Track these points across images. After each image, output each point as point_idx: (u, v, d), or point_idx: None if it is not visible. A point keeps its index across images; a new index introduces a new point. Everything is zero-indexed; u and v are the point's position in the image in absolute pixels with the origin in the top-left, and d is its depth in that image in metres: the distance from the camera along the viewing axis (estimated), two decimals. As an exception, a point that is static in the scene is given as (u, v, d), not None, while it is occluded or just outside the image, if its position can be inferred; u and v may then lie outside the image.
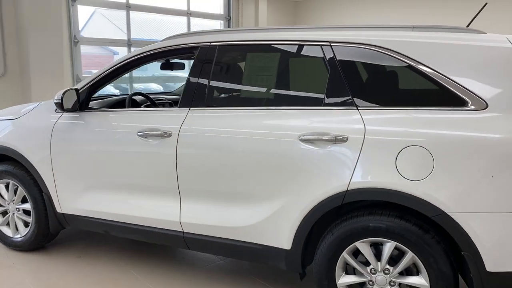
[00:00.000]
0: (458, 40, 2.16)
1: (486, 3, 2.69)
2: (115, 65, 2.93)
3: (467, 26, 2.50)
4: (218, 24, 8.94)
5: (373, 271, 2.23)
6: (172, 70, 3.62)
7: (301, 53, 2.45)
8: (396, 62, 2.20)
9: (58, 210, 3.09)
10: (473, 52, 2.10)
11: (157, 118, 2.70)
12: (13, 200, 3.31)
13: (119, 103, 3.40)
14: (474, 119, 2.01)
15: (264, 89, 2.58)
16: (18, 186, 3.24)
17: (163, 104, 3.67)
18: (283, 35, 2.48)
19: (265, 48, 2.56)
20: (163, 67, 3.57)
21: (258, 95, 2.59)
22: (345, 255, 2.26)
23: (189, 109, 2.62)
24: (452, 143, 2.00)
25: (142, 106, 3.53)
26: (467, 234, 1.98)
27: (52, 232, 3.22)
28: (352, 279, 2.30)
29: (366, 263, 2.25)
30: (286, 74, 2.49)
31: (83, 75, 6.75)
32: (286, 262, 2.43)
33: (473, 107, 2.03)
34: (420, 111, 2.11)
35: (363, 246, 2.22)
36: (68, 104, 2.82)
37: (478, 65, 2.07)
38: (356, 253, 2.28)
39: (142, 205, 2.78)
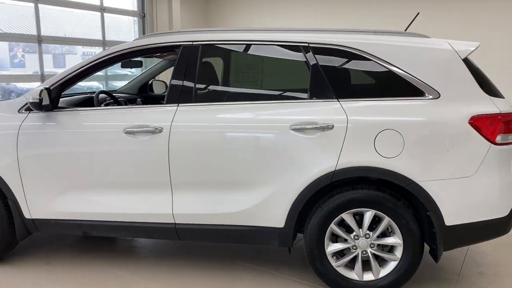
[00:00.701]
0: (412, 43, 2.66)
1: (418, 13, 3.28)
2: (89, 63, 2.89)
3: (405, 30, 3.06)
4: (132, 21, 8.73)
5: (356, 237, 2.64)
6: (131, 68, 3.62)
7: (284, 52, 2.75)
8: (366, 61, 2.63)
9: (27, 216, 2.94)
10: (424, 53, 2.62)
11: (144, 115, 2.76)
12: (-34, 211, 3.03)
13: (85, 102, 3.31)
14: (431, 106, 2.53)
15: (251, 84, 2.83)
16: (-25, 195, 2.98)
17: (124, 102, 3.64)
18: (269, 36, 2.75)
19: (249, 47, 2.80)
20: (123, 65, 3.56)
21: (246, 90, 2.82)
22: (333, 226, 2.63)
23: (178, 105, 2.74)
24: (417, 126, 2.50)
25: (103, 104, 3.48)
26: (431, 197, 2.49)
27: (19, 239, 3.04)
28: (338, 246, 2.68)
29: (349, 231, 2.65)
30: (271, 71, 2.77)
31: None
32: (279, 239, 2.72)
33: (430, 96, 2.54)
34: (389, 101, 2.57)
35: (348, 216, 2.61)
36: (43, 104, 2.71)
37: (429, 63, 2.59)
38: (340, 224, 2.66)
39: (130, 201, 2.82)
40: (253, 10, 9.64)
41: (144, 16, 8.70)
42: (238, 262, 3.16)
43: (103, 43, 8.01)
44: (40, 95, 2.66)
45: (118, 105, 3.52)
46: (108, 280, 2.91)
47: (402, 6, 7.80)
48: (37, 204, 2.91)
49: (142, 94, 4.29)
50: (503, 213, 2.58)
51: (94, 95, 3.26)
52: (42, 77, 7.00)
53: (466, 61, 2.60)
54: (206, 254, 3.29)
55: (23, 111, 2.90)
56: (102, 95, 3.45)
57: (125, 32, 8.72)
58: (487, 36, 6.76)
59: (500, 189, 2.55)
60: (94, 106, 3.19)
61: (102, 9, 7.90)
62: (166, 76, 4.19)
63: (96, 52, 7.41)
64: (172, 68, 3.89)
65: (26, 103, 2.89)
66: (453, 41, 2.67)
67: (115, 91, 4.31)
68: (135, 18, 8.75)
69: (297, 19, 9.07)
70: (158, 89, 4.39)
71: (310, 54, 2.66)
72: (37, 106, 2.70)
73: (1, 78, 6.69)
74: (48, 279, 2.92)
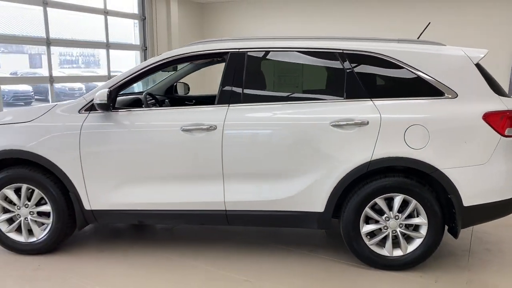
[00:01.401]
0: (432, 50, 3.08)
1: (430, 23, 3.72)
2: (144, 68, 3.19)
3: (417, 38, 3.49)
4: (132, 23, 8.94)
5: (387, 219, 3.05)
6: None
7: (321, 57, 3.13)
8: (394, 65, 3.03)
9: (87, 207, 3.22)
10: (443, 59, 3.05)
11: (199, 114, 3.08)
12: (25, 205, 3.28)
13: (133, 102, 3.60)
14: (450, 104, 2.95)
15: (292, 86, 3.19)
16: (33, 189, 3.23)
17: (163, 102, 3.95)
18: (308, 43, 3.12)
19: (290, 53, 3.17)
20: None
21: (288, 91, 3.18)
22: (367, 209, 3.03)
23: (229, 106, 3.08)
24: (439, 121, 2.92)
25: (143, 105, 3.77)
26: (452, 182, 2.91)
27: (78, 229, 3.31)
28: (371, 227, 3.08)
29: (381, 213, 3.05)
30: (310, 74, 3.14)
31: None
32: (318, 223, 3.10)
33: (449, 96, 2.97)
34: (416, 100, 2.98)
35: (380, 201, 3.01)
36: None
37: (447, 67, 3.02)
38: (372, 207, 3.06)
39: (184, 191, 3.13)
40: (245, 14, 10.02)
41: (145, 18, 8.93)
42: (273, 245, 3.52)
43: (107, 45, 8.20)
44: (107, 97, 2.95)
45: (158, 105, 3.83)
46: (160, 263, 3.22)
47: (383, 11, 8.32)
48: (97, 196, 3.19)
49: (169, 95, 4.58)
50: (511, 194, 3.03)
51: (140, 96, 3.56)
52: (51, 79, 7.17)
53: (478, 65, 3.04)
54: (242, 239, 3.64)
55: (83, 112, 3.18)
56: (142, 96, 3.74)
57: (126, 34, 8.93)
58: (474, 37, 7.36)
59: (509, 174, 3.00)
60: (140, 106, 3.49)
61: (105, 12, 8.10)
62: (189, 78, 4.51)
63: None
64: (193, 72, 4.27)
65: (86, 104, 3.17)
66: (466, 48, 3.10)
67: (141, 92, 4.59)
68: (136, 21, 8.96)
69: (287, 23, 9.48)
70: (180, 91, 4.70)
71: (345, 59, 3.05)
72: (105, 107, 2.99)
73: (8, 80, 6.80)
74: (103, 264, 3.21)
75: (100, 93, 3.00)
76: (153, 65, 3.20)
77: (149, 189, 3.17)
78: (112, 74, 8.33)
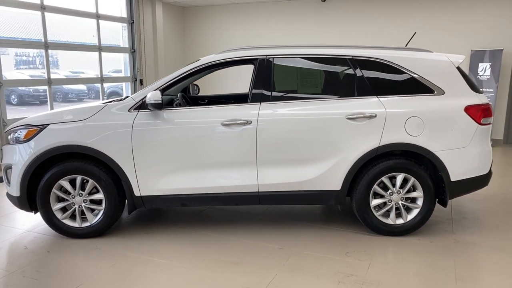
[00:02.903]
0: (423, 56, 3.80)
1: (415, 33, 4.46)
2: (184, 73, 3.72)
3: (405, 46, 4.22)
4: (120, 26, 9.24)
5: (391, 193, 3.74)
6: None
7: (336, 62, 3.77)
8: (394, 68, 3.72)
9: (137, 194, 3.69)
10: (432, 63, 3.78)
11: (236, 111, 3.64)
12: (80, 194, 3.71)
13: (168, 102, 4.08)
14: (439, 100, 3.68)
15: (315, 87, 3.81)
16: (88, 180, 3.67)
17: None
18: (324, 51, 3.76)
19: (310, 59, 3.79)
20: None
21: (310, 91, 3.80)
22: (376, 186, 3.71)
23: (260, 103, 3.66)
24: (431, 113, 3.64)
25: (175, 103, 4.27)
26: (442, 162, 3.65)
27: (129, 213, 3.78)
28: (379, 201, 3.76)
29: (386, 189, 3.75)
30: (327, 76, 3.78)
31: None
32: (335, 200, 3.75)
33: (438, 93, 3.70)
34: (412, 96, 3.69)
35: (385, 179, 3.70)
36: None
37: (435, 70, 3.75)
38: (379, 185, 3.74)
39: (223, 177, 3.68)
40: (224, 18, 10.55)
41: (133, 22, 9.27)
42: (293, 221, 4.14)
43: (99, 48, 8.49)
44: (157, 97, 3.46)
45: (187, 103, 4.33)
46: (201, 239, 3.75)
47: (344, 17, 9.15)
48: (146, 184, 3.68)
49: (186, 95, 5.08)
50: (485, 171, 3.82)
51: (175, 96, 4.06)
52: (49, 81, 7.41)
53: (459, 68, 3.79)
54: (264, 220, 4.23)
55: (132, 111, 3.66)
56: (167, 97, 4.20)
57: (114, 37, 9.22)
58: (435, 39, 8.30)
59: (483, 155, 3.78)
60: (171, 105, 3.99)
61: (97, 16, 8.39)
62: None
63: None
64: (205, 75, 4.76)
65: (135, 104, 3.65)
66: (449, 54, 3.85)
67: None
68: (124, 24, 9.27)
69: (267, 27, 10.12)
70: (193, 91, 5.22)
71: (355, 64, 3.72)
72: (159, 106, 3.49)
73: (11, 82, 6.95)
74: (153, 242, 3.70)
75: (153, 94, 3.49)
76: (193, 70, 3.74)
77: (192, 176, 3.69)
78: (104, 76, 8.62)
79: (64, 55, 7.76)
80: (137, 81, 9.57)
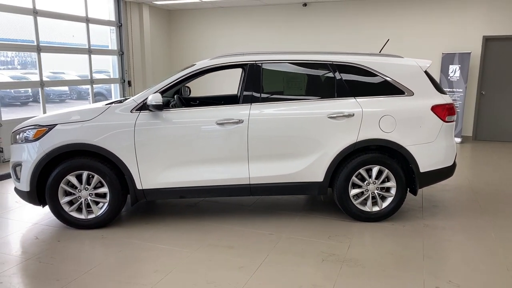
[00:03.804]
0: (395, 61, 4.27)
1: (388, 39, 4.93)
2: (181, 76, 4.10)
3: (379, 52, 4.69)
4: (108, 30, 9.51)
5: (367, 184, 4.20)
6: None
7: (318, 67, 4.21)
8: (369, 72, 4.18)
9: (139, 187, 4.05)
10: (402, 67, 4.25)
11: (229, 111, 4.03)
12: (85, 188, 4.04)
13: (166, 103, 4.44)
14: (409, 100, 4.15)
15: (299, 89, 4.23)
16: (93, 175, 4.01)
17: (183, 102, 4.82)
18: (307, 56, 4.19)
19: (295, 64, 4.21)
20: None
21: (295, 93, 4.22)
22: (354, 178, 4.16)
23: (251, 104, 4.06)
24: (402, 112, 4.11)
25: (171, 104, 4.64)
26: (412, 155, 4.11)
27: (131, 205, 4.13)
28: (357, 190, 4.22)
29: (363, 180, 4.20)
30: (310, 79, 4.21)
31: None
32: (318, 190, 4.18)
33: (408, 94, 4.17)
34: (385, 97, 4.15)
35: (363, 171, 4.16)
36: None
37: (405, 73, 4.22)
38: (357, 176, 4.19)
39: (217, 171, 4.07)
40: (208, 21, 10.93)
41: (121, 25, 9.54)
42: (281, 211, 4.57)
43: (89, 50, 8.75)
44: (157, 99, 3.83)
45: (182, 104, 4.69)
46: (198, 228, 4.14)
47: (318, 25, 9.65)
48: (147, 178, 4.03)
49: (179, 96, 5.44)
50: (450, 163, 4.31)
51: (171, 97, 4.42)
52: (42, 83, 7.64)
53: (426, 72, 4.28)
54: (254, 210, 4.64)
55: (134, 111, 4.01)
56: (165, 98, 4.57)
57: (103, 39, 9.48)
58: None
59: (448, 149, 4.27)
60: (168, 106, 4.36)
61: (87, 20, 8.65)
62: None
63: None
64: (196, 78, 5.11)
65: (137, 105, 4.00)
66: (417, 59, 4.33)
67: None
68: (112, 27, 9.54)
69: (250, 31, 10.53)
70: (184, 93, 5.58)
71: (335, 68, 4.16)
72: (160, 107, 3.86)
73: (7, 84, 7.15)
74: (152, 231, 4.06)
75: (155, 97, 3.86)
76: (190, 74, 4.12)
77: (189, 170, 4.07)
78: (94, 76, 8.88)
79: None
80: (125, 83, 9.86)
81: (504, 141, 9.05)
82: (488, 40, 8.80)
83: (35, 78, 7.63)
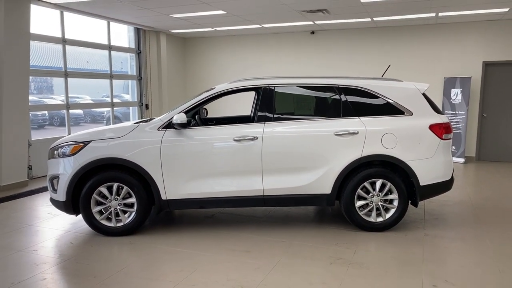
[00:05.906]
0: (396, 85, 4.72)
1: (390, 65, 5.39)
2: (203, 98, 4.58)
3: (381, 76, 5.15)
4: (128, 56, 10.15)
5: (372, 196, 4.58)
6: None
7: (325, 90, 4.67)
8: (372, 94, 4.62)
9: (163, 197, 4.47)
10: (402, 90, 4.69)
11: (245, 129, 4.48)
12: (115, 198, 4.47)
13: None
14: (409, 120, 4.57)
15: (308, 109, 4.69)
16: (123, 186, 4.45)
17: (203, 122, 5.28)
18: (315, 81, 4.65)
19: (304, 87, 4.68)
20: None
21: (304, 113, 4.67)
22: (359, 190, 4.55)
23: (265, 123, 4.51)
24: (403, 130, 4.52)
25: (192, 124, 5.10)
26: (412, 169, 4.50)
27: (157, 214, 4.54)
28: (362, 202, 4.60)
29: (368, 192, 4.58)
30: (318, 101, 4.67)
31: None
32: (326, 201, 4.57)
33: (407, 114, 4.59)
34: (387, 117, 4.57)
35: (367, 184, 4.55)
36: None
37: (405, 96, 4.65)
38: (362, 189, 4.57)
39: (234, 183, 4.49)
40: (220, 48, 11.55)
41: (140, 52, 10.18)
42: (293, 222, 4.94)
43: (111, 75, 9.35)
44: (182, 119, 4.30)
45: (201, 124, 5.15)
46: (214, 237, 4.52)
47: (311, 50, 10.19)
48: (171, 189, 4.46)
49: (199, 116, 5.91)
50: (448, 177, 4.69)
51: (191, 118, 4.90)
52: (68, 106, 8.21)
53: (424, 94, 4.71)
54: (267, 220, 5.02)
55: (161, 129, 4.48)
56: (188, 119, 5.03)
57: (124, 65, 10.10)
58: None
59: (445, 164, 4.65)
60: (192, 125, 4.83)
61: (110, 48, 9.29)
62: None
63: None
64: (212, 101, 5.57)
65: (163, 124, 4.47)
66: (416, 83, 4.77)
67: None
68: (132, 54, 10.18)
69: (260, 57, 11.11)
70: (202, 114, 6.07)
71: (341, 91, 4.61)
72: (185, 125, 4.33)
73: (35, 107, 7.73)
74: (176, 238, 4.45)
75: (180, 116, 4.33)
76: (210, 96, 4.60)
77: (209, 182, 4.49)
78: (115, 100, 9.44)
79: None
80: (143, 106, 10.42)
81: (507, 161, 9.36)
82: (488, 65, 9.25)
83: (51, 102, 8.15)
